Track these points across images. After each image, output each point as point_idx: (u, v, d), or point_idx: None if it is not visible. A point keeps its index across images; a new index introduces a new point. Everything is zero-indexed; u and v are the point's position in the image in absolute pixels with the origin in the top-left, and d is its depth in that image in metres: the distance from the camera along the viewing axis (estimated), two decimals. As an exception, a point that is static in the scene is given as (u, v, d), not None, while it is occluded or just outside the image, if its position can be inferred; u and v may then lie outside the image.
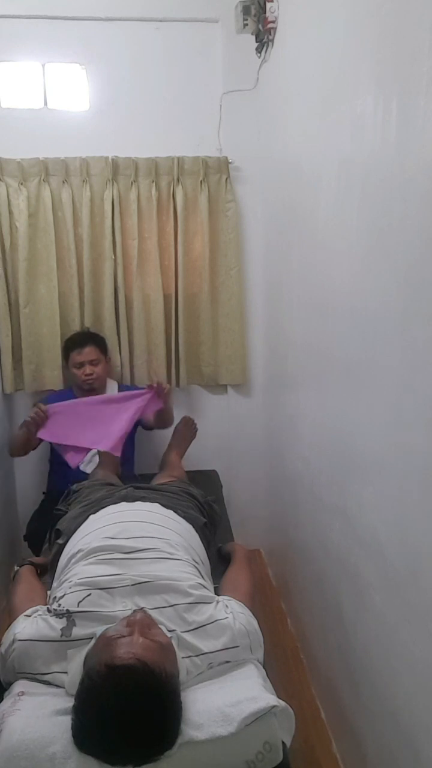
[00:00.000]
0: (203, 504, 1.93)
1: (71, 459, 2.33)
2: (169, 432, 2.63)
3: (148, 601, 1.28)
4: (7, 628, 1.32)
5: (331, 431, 1.78)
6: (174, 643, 1.18)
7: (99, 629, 1.19)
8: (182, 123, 2.64)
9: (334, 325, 1.70)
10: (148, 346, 2.71)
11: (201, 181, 2.59)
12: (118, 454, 2.35)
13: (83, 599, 1.29)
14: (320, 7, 1.75)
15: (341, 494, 1.69)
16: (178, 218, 2.60)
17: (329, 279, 1.73)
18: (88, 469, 2.35)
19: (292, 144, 2.12)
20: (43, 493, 2.62)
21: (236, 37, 2.47)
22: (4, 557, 2.57)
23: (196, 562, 1.52)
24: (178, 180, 2.58)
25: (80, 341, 2.49)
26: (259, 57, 2.49)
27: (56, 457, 2.46)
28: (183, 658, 1.19)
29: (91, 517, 1.69)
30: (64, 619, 1.25)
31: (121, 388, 2.62)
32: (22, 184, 2.50)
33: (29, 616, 1.31)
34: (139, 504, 1.73)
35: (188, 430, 2.64)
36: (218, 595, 1.41)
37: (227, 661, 1.25)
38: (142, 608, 1.22)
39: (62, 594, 1.32)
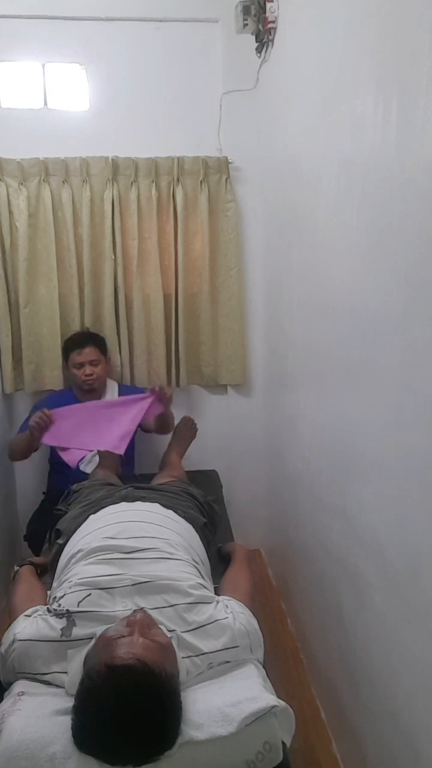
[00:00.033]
0: (203, 504, 1.93)
1: (68, 458, 2.33)
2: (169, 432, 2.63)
3: (148, 601, 1.28)
4: (7, 628, 1.32)
5: (331, 431, 1.78)
6: (174, 643, 1.18)
7: (99, 629, 1.19)
8: (182, 123, 2.64)
9: (334, 325, 1.70)
10: (148, 346, 2.71)
11: (201, 181, 2.59)
12: (122, 452, 2.35)
13: (83, 599, 1.29)
14: (320, 7, 1.75)
15: (341, 494, 1.69)
16: (178, 218, 2.60)
17: (329, 279, 1.73)
18: (88, 469, 2.35)
19: (292, 144, 2.12)
20: (43, 493, 2.61)
21: (236, 37, 2.47)
22: (4, 557, 2.57)
23: (196, 562, 1.52)
24: (178, 180, 2.58)
25: (80, 341, 2.49)
26: (259, 57, 2.49)
27: (56, 458, 2.46)
28: (183, 658, 1.19)
29: (91, 517, 1.69)
30: (64, 619, 1.25)
31: (121, 388, 2.62)
32: (22, 184, 2.50)
33: (29, 616, 1.32)
34: (139, 504, 1.73)
35: (188, 430, 2.64)
36: (218, 595, 1.41)
37: (227, 661, 1.25)
38: (142, 608, 1.22)
39: (62, 594, 1.32)
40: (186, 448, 2.61)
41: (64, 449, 2.34)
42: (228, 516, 2.35)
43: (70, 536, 1.65)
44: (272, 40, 2.31)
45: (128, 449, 2.57)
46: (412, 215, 1.18)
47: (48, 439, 2.29)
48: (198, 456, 2.74)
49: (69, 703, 1.09)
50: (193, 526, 1.72)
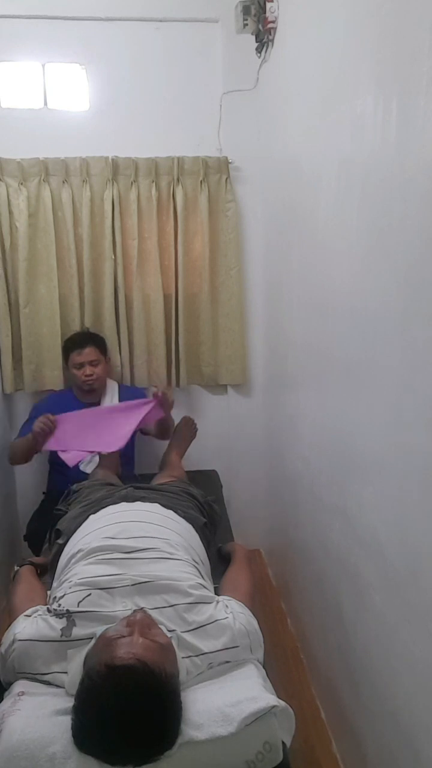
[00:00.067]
0: (203, 504, 1.93)
1: (68, 458, 2.33)
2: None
3: (148, 601, 1.28)
4: (7, 628, 1.32)
5: (331, 431, 1.78)
6: (174, 643, 1.18)
7: (99, 629, 1.19)
8: (182, 123, 2.64)
9: (334, 325, 1.70)
10: (148, 346, 2.71)
11: (201, 181, 2.59)
12: (121, 446, 2.34)
13: (83, 599, 1.29)
14: (320, 7, 1.75)
15: (341, 494, 1.69)
16: (178, 218, 2.60)
17: (329, 279, 1.73)
18: (88, 469, 2.36)
19: (292, 144, 2.12)
20: (43, 493, 2.62)
21: (236, 37, 2.47)
22: (4, 557, 2.57)
23: (196, 562, 1.52)
24: (178, 180, 2.58)
25: (80, 342, 2.49)
26: (259, 57, 2.49)
27: (56, 458, 2.46)
28: (183, 658, 1.19)
29: (91, 517, 1.69)
30: (64, 619, 1.25)
31: (122, 388, 2.62)
32: (22, 184, 2.50)
33: (29, 616, 1.32)
34: (139, 504, 1.73)
35: (188, 430, 2.64)
36: (218, 595, 1.41)
37: (227, 661, 1.25)
38: (142, 608, 1.22)
39: (62, 594, 1.32)
40: (186, 448, 2.61)
41: (64, 450, 2.34)
42: (228, 516, 2.35)
43: (70, 536, 1.65)
44: (272, 40, 2.31)
45: (128, 449, 2.58)
46: (412, 215, 1.18)
47: (51, 445, 2.29)
48: (198, 456, 2.74)
49: (69, 703, 1.09)
50: (193, 526, 1.72)
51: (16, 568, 1.69)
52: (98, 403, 2.54)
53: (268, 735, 1.08)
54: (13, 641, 1.24)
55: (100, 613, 1.25)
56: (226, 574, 1.62)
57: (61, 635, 1.23)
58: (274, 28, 2.25)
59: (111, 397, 2.56)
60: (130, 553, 1.43)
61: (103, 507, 1.72)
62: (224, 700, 1.12)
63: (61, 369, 2.64)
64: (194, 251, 2.68)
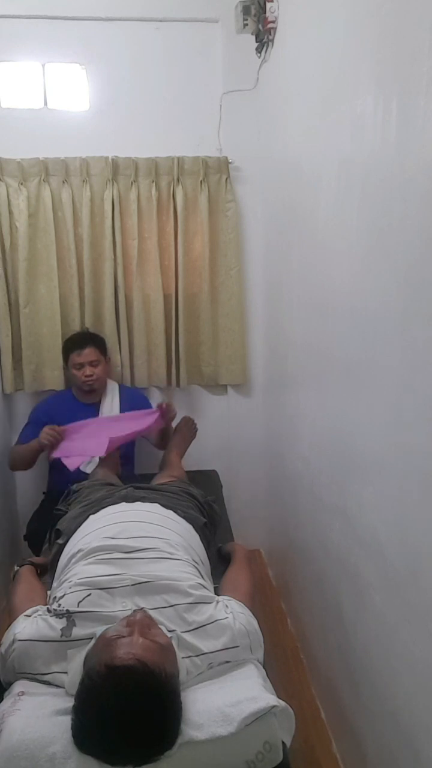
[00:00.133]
0: (203, 504, 1.93)
1: (69, 462, 2.33)
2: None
3: (148, 601, 1.28)
4: (7, 628, 1.32)
5: (331, 431, 1.78)
6: (174, 643, 1.18)
7: (99, 629, 1.19)
8: (182, 123, 2.64)
9: (334, 325, 1.70)
10: (148, 346, 2.71)
11: (201, 181, 2.59)
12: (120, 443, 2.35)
13: (83, 599, 1.29)
14: (320, 7, 1.75)
15: (341, 494, 1.69)
16: (178, 218, 2.60)
17: (329, 279, 1.73)
18: (88, 469, 2.35)
19: (292, 144, 2.12)
20: (43, 493, 2.61)
21: (236, 37, 2.47)
22: (4, 557, 2.57)
23: (196, 562, 1.52)
24: (178, 180, 2.58)
25: (80, 342, 2.49)
26: (259, 57, 2.49)
27: (56, 458, 2.46)
28: (183, 658, 1.19)
29: (91, 517, 1.69)
30: (64, 619, 1.25)
31: (122, 388, 2.62)
32: (22, 184, 2.50)
33: (29, 616, 1.31)
34: (139, 504, 1.73)
35: (188, 430, 2.64)
36: (218, 595, 1.41)
37: (227, 661, 1.25)
38: (142, 608, 1.22)
39: (62, 594, 1.32)
40: (186, 448, 2.61)
41: (67, 456, 2.35)
42: (228, 516, 2.35)
43: (70, 536, 1.65)
44: (272, 40, 2.31)
45: (128, 449, 2.58)
46: (412, 215, 1.18)
47: (58, 453, 2.32)
48: (198, 456, 2.73)
49: (69, 703, 1.09)
50: (193, 526, 1.71)
51: (16, 568, 1.68)
52: (98, 404, 2.54)
53: (268, 735, 1.08)
54: (13, 641, 1.24)
55: (100, 613, 1.25)
56: (226, 574, 1.62)
57: (61, 635, 1.23)
58: (274, 28, 2.26)
59: (111, 398, 2.56)
60: (130, 553, 1.43)
61: (103, 507, 1.72)
62: (224, 700, 1.12)
63: (61, 369, 2.64)
64: (194, 251, 2.68)
